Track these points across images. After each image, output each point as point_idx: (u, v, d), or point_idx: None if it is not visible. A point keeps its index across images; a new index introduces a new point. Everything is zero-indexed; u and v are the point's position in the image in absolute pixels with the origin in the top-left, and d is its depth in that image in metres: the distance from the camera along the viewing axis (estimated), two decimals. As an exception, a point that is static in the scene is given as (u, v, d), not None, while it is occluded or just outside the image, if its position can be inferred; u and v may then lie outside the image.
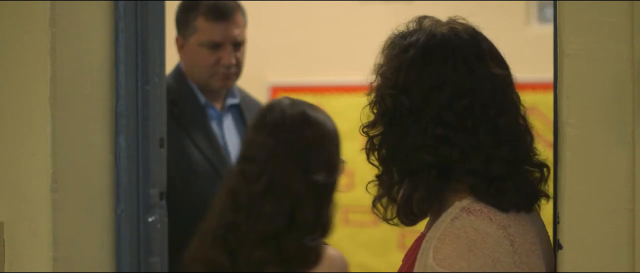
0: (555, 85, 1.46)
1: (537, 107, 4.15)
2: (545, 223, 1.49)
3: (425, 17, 1.51)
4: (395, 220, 1.43)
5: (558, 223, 1.40)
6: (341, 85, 4.60)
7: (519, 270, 1.30)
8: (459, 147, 1.36)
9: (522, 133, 1.41)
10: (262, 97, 4.79)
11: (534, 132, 1.44)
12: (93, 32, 1.91)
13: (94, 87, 1.91)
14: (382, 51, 1.48)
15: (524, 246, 1.33)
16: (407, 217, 1.43)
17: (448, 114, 1.36)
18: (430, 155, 1.37)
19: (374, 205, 1.44)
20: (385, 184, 1.42)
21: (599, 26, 1.37)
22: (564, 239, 1.39)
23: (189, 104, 2.63)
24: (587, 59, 1.37)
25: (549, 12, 4.39)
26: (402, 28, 1.50)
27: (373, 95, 1.47)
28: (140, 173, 2.00)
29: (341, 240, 4.72)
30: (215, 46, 2.62)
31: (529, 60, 4.24)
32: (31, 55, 1.81)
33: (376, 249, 4.42)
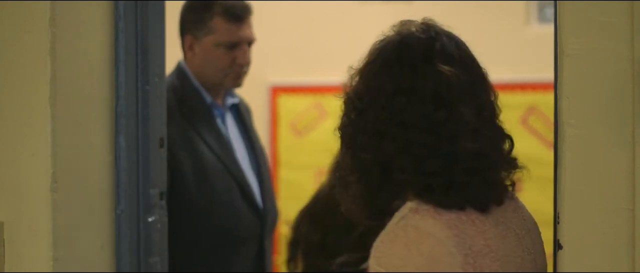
0: (556, 85, 1.46)
1: (537, 107, 4.15)
2: (545, 223, 1.49)
3: (405, 21, 1.54)
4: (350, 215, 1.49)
5: (558, 223, 1.40)
6: (341, 85, 4.60)
7: (462, 271, 1.32)
8: (397, 144, 1.39)
9: (480, 128, 1.40)
10: (262, 97, 4.80)
11: (502, 129, 1.44)
12: (93, 32, 1.91)
13: (94, 87, 1.91)
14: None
15: (474, 247, 1.35)
16: (362, 216, 1.47)
17: (384, 112, 1.41)
18: (370, 153, 1.41)
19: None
20: (341, 182, 1.48)
21: (599, 26, 1.37)
22: (564, 239, 1.39)
23: (196, 103, 2.65)
24: (587, 59, 1.37)
25: (549, 12, 4.39)
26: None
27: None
28: (140, 173, 2.00)
29: (341, 240, 4.73)
30: (232, 46, 2.65)
31: (529, 60, 4.25)
32: (31, 55, 1.81)
33: (376, 249, 4.42)
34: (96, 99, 1.92)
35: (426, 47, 1.44)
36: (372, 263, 1.34)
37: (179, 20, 2.72)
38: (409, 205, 1.38)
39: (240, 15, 2.67)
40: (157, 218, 2.05)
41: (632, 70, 1.35)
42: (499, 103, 1.46)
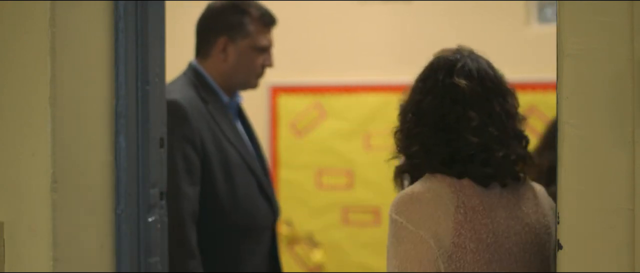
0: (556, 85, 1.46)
1: (537, 107, 4.15)
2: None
3: (446, 48, 1.97)
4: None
5: (558, 223, 1.40)
6: (341, 85, 4.60)
7: (452, 217, 1.77)
8: (420, 138, 1.87)
9: (485, 128, 1.83)
10: (262, 97, 4.79)
11: (517, 129, 1.88)
12: (93, 32, 1.91)
13: (94, 87, 1.91)
14: None
15: (468, 203, 1.78)
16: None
17: (414, 116, 1.88)
18: (416, 144, 1.87)
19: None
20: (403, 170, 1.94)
21: (599, 26, 1.37)
22: (564, 239, 1.39)
23: (216, 101, 2.76)
24: (587, 59, 1.37)
25: (549, 12, 4.39)
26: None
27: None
28: (140, 173, 2.00)
29: (341, 240, 4.74)
30: (263, 50, 2.83)
31: (528, 60, 4.25)
32: (31, 55, 1.80)
33: (376, 249, 4.42)
34: (96, 99, 1.92)
35: (450, 65, 1.89)
36: (389, 212, 1.80)
37: (205, 21, 2.85)
38: (427, 175, 1.85)
39: (272, 20, 2.90)
40: (157, 218, 2.05)
41: (632, 70, 1.35)
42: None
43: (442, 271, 1.74)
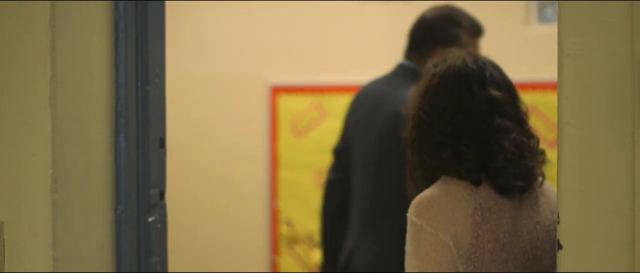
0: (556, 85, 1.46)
1: (537, 107, 4.15)
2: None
3: (454, 52, 1.99)
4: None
5: (558, 223, 1.40)
6: (341, 85, 4.60)
7: (469, 219, 1.79)
8: (452, 150, 1.87)
9: (516, 135, 1.88)
10: (262, 97, 4.80)
11: (531, 132, 1.94)
12: (93, 32, 1.91)
13: (94, 87, 1.91)
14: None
15: (484, 205, 1.82)
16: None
17: (448, 126, 1.87)
18: (431, 157, 1.90)
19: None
20: (410, 177, 1.97)
21: (599, 26, 1.36)
22: (564, 239, 1.39)
23: None
24: (587, 59, 1.37)
25: (549, 12, 4.39)
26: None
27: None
28: (140, 173, 2.00)
29: (341, 240, 4.73)
30: None
31: (528, 60, 4.25)
32: (31, 55, 1.80)
33: (376, 249, 4.42)
34: (96, 99, 1.92)
35: (480, 75, 1.90)
36: (409, 213, 1.83)
37: (421, 31, 2.97)
38: (443, 178, 1.87)
39: (480, 31, 2.99)
40: (157, 218, 2.05)
41: (632, 70, 1.35)
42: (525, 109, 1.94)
43: (461, 272, 1.78)
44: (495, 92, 1.89)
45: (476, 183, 1.84)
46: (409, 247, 1.81)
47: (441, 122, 1.89)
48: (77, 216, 1.86)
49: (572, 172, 1.38)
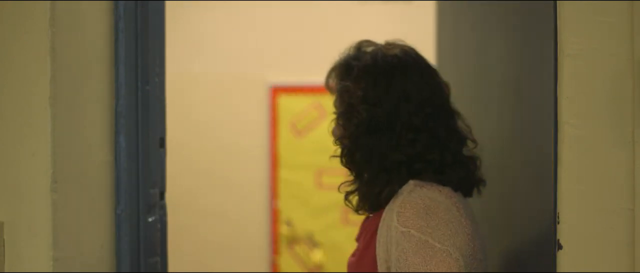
0: (556, 86, 1.46)
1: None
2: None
3: (365, 41, 1.80)
4: (363, 211, 1.76)
5: (558, 223, 1.40)
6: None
7: (464, 229, 1.61)
8: (423, 145, 1.68)
9: (459, 131, 1.73)
10: (262, 97, 4.80)
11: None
12: (93, 32, 1.91)
13: (94, 87, 1.91)
14: (335, 74, 1.79)
15: (465, 211, 1.64)
16: (374, 207, 1.72)
17: (417, 119, 1.67)
18: (402, 154, 1.67)
19: (346, 199, 1.76)
20: (360, 183, 1.72)
21: (599, 26, 1.36)
22: (564, 239, 1.39)
23: None
24: (587, 59, 1.37)
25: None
26: (348, 52, 1.81)
27: (342, 109, 1.74)
28: (140, 173, 2.00)
29: (341, 240, 4.73)
30: None
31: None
32: (31, 55, 1.80)
33: (376, 249, 4.42)
34: (96, 99, 1.92)
35: (425, 62, 1.74)
36: (397, 226, 1.59)
37: None
38: (412, 182, 1.66)
39: None
40: (157, 218, 2.05)
41: (632, 70, 1.35)
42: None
43: None
44: (444, 81, 1.75)
45: (456, 187, 1.68)
46: (412, 265, 1.56)
47: (402, 115, 1.68)
48: (77, 216, 1.86)
49: (572, 172, 1.38)
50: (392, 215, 1.61)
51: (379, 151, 1.68)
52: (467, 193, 1.72)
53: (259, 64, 4.83)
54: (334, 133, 1.78)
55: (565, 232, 1.39)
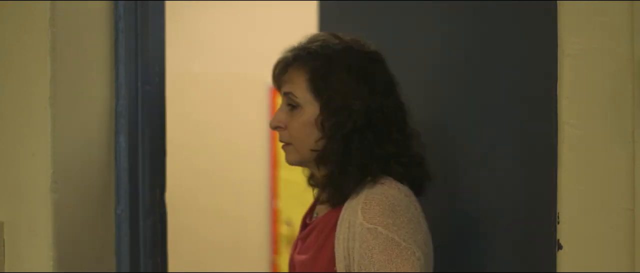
0: (556, 85, 1.46)
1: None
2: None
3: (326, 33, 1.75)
4: (326, 205, 1.72)
5: (558, 223, 1.40)
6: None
7: (422, 228, 1.59)
8: (394, 141, 1.65)
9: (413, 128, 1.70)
10: (262, 97, 4.80)
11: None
12: (93, 32, 1.91)
13: (94, 87, 1.91)
14: (305, 62, 1.71)
15: (420, 209, 1.62)
16: (340, 202, 1.66)
17: (390, 113, 1.65)
18: (382, 149, 1.64)
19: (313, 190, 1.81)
20: (335, 179, 1.67)
21: (599, 26, 1.36)
22: (564, 239, 1.39)
23: None
24: (587, 59, 1.37)
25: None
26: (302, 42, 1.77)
27: (325, 102, 1.67)
28: (140, 173, 2.00)
29: (341, 240, 4.73)
30: None
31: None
32: (31, 55, 1.81)
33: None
34: (96, 99, 1.92)
35: (377, 54, 1.69)
36: (363, 223, 1.56)
37: None
38: (370, 179, 1.62)
39: None
40: (156, 218, 2.05)
41: (632, 70, 1.35)
42: None
43: None
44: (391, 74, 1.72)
45: (418, 187, 1.66)
46: (376, 263, 1.53)
47: (389, 110, 1.65)
48: (77, 216, 1.86)
49: (572, 172, 1.38)
50: (357, 212, 1.58)
51: (365, 146, 1.64)
52: (419, 192, 1.68)
53: (259, 64, 4.82)
54: (280, 120, 1.78)
55: (565, 232, 1.39)
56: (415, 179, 1.67)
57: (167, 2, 2.08)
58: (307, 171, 1.84)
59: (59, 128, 1.80)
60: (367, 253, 1.54)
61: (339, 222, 1.63)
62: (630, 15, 1.35)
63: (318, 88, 1.67)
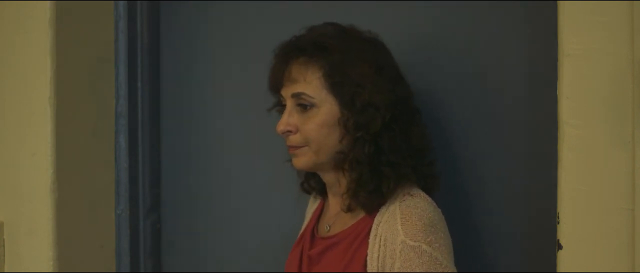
0: (556, 86, 1.46)
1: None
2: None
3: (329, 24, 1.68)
4: (359, 210, 1.56)
5: (558, 223, 1.40)
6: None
7: (449, 241, 1.49)
8: (419, 138, 1.57)
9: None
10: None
11: None
12: (93, 32, 1.91)
13: (94, 87, 1.91)
14: (322, 57, 1.55)
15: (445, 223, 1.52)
16: (379, 205, 1.54)
17: (403, 110, 1.54)
18: (402, 148, 1.54)
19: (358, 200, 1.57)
20: (368, 182, 1.53)
21: (599, 26, 1.36)
22: (564, 239, 1.39)
23: None
24: (587, 59, 1.37)
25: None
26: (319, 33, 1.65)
27: (349, 101, 1.53)
28: (140, 173, 2.00)
29: (341, 240, 4.73)
30: None
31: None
32: (31, 55, 1.81)
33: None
34: (96, 99, 1.92)
35: (379, 39, 1.63)
36: (406, 240, 1.45)
37: None
38: (401, 190, 1.52)
39: None
40: (157, 218, 2.05)
41: (632, 70, 1.35)
42: None
43: None
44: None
45: (427, 190, 1.56)
46: None
47: (409, 100, 1.56)
48: (77, 216, 1.86)
49: (572, 172, 1.38)
50: (396, 228, 1.47)
51: (395, 143, 1.53)
52: (431, 190, 1.59)
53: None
54: (290, 124, 1.55)
55: (565, 232, 1.39)
56: (434, 179, 1.59)
57: (166, 2, 2.08)
58: (302, 175, 1.69)
59: (59, 128, 1.80)
60: (407, 269, 1.44)
61: (372, 233, 1.51)
62: (630, 15, 1.35)
63: (335, 84, 1.51)
